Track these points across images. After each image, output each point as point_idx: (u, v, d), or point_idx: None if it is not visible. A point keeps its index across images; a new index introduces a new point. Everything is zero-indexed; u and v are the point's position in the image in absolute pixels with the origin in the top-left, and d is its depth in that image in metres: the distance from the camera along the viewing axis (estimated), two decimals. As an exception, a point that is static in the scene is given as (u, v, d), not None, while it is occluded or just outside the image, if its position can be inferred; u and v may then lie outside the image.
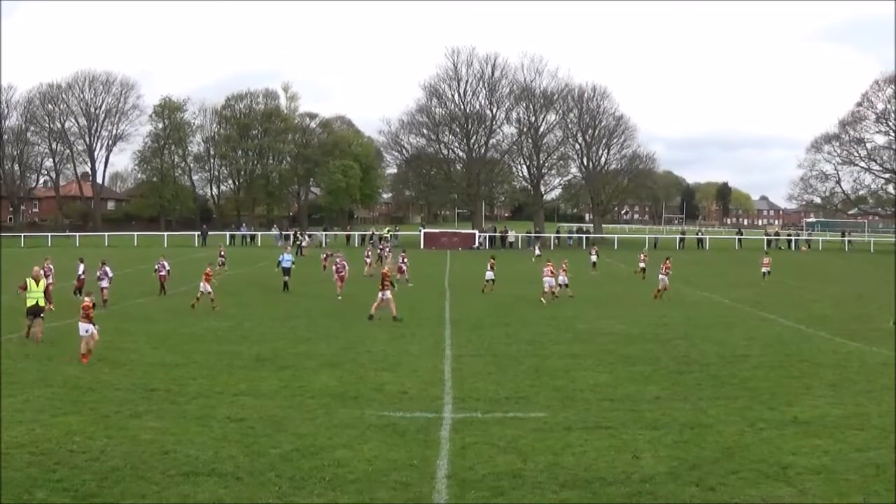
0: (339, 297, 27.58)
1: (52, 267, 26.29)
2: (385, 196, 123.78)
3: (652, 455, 9.69)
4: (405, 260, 35.69)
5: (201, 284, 25.13)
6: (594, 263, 42.02)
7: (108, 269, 25.71)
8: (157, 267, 29.42)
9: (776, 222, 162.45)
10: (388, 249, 46.13)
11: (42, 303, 17.76)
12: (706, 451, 9.89)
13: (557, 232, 79.90)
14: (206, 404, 12.08)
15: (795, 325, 21.74)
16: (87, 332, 15.45)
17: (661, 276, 28.99)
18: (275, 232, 77.82)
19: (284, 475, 8.84)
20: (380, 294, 22.49)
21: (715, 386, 13.75)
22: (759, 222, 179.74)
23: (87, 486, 8.40)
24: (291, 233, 68.15)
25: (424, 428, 10.91)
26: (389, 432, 10.65)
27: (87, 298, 16.19)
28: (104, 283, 24.96)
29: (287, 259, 31.33)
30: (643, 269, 37.83)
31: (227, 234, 75.44)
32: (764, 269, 37.05)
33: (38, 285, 17.78)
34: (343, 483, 8.64)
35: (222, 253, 40.63)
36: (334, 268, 29.83)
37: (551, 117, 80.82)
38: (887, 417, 11.48)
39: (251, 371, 14.81)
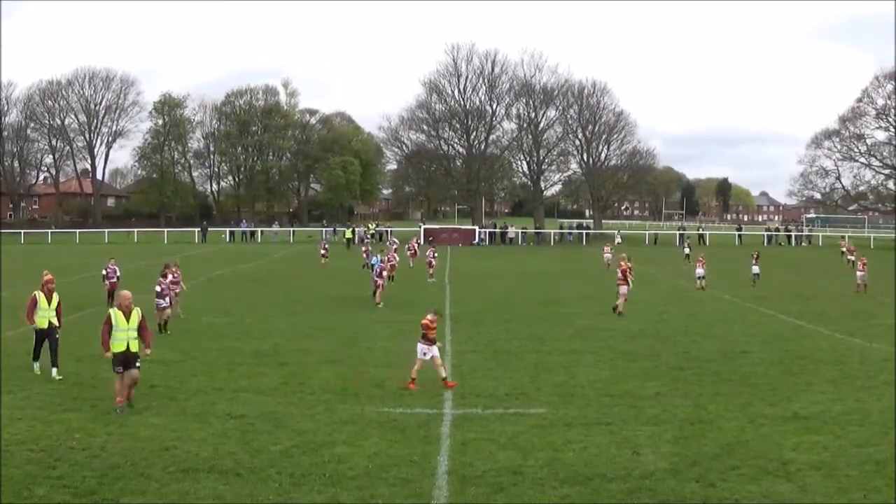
0: (380, 305, 24.32)
1: (177, 275, 20.81)
2: (385, 192, 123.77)
3: (652, 451, 9.69)
4: (435, 255, 35.72)
5: (625, 284, 25.13)
6: (687, 255, 43.37)
7: (170, 280, 20.17)
8: (105, 272, 24.13)
9: (776, 218, 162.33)
10: (416, 242, 47.96)
11: (135, 347, 11.77)
12: (706, 447, 9.89)
13: (560, 228, 79.86)
14: (206, 401, 12.08)
15: (795, 320, 21.73)
16: (424, 354, 13.18)
17: (859, 273, 29.64)
18: (274, 228, 77.89)
19: (284, 471, 8.85)
20: (621, 288, 22.82)
21: (715, 382, 13.74)
22: (760, 218, 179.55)
23: (87, 483, 8.40)
24: (350, 228, 67.92)
25: (425, 424, 10.90)
26: (390, 428, 10.65)
27: (429, 316, 13.51)
28: (164, 303, 18.98)
29: (378, 261, 27.60)
30: (852, 263, 37.94)
31: (228, 230, 75.48)
32: (850, 258, 40.52)
33: (128, 321, 11.74)
34: (343, 479, 8.63)
35: (325, 246, 43.69)
36: (377, 269, 25.76)
37: (551, 113, 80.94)
38: (888, 413, 11.48)
39: (251, 367, 14.81)
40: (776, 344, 17.81)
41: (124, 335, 11.67)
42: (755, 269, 32.26)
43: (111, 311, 11.88)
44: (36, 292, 13.97)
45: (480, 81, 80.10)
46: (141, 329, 11.85)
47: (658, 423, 11.02)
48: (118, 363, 11.58)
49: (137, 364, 11.71)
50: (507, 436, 10.33)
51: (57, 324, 14.01)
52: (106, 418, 10.99)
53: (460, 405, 12.02)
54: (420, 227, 72.03)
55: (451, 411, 11.68)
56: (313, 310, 23.66)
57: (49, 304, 13.96)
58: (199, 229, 72.86)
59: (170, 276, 20.93)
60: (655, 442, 10.09)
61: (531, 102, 79.98)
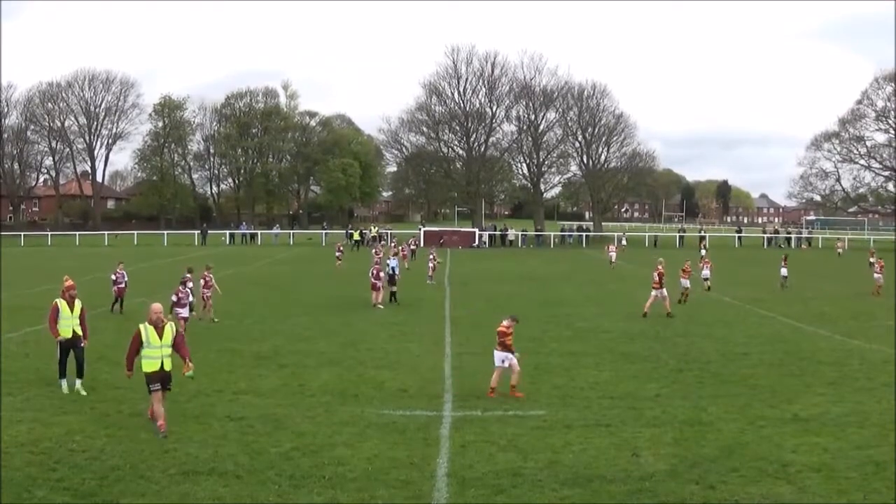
0: (381, 307, 24.34)
1: (210, 279, 20.80)
2: (385, 194, 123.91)
3: (652, 453, 9.69)
4: (435, 257, 35.71)
5: (682, 281, 25.81)
6: (703, 258, 39.16)
7: (190, 288, 19.40)
8: (114, 277, 23.28)
9: (776, 220, 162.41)
10: (413, 244, 50.87)
11: (170, 365, 10.62)
12: (706, 448, 9.89)
13: (561, 230, 79.86)
14: (206, 403, 12.07)
15: (795, 322, 21.73)
16: (502, 361, 12.68)
17: (876, 275, 29.61)
18: (275, 230, 77.94)
19: (284, 473, 8.85)
20: (654, 292, 22.93)
21: (715, 384, 13.74)
22: (760, 220, 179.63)
23: (87, 485, 8.40)
24: (358, 230, 68.53)
25: (424, 426, 10.90)
26: (389, 430, 10.65)
27: (505, 322, 12.95)
28: (184, 312, 18.44)
29: (395, 263, 27.09)
30: (871, 264, 33.85)
31: (228, 232, 75.54)
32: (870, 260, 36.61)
33: (161, 337, 10.59)
34: (343, 481, 8.63)
35: (340, 248, 44.36)
36: (373, 271, 25.52)
37: (551, 115, 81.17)
38: (887, 415, 11.48)
39: (251, 369, 14.81)
40: (776, 345, 17.81)
41: (157, 353, 10.50)
42: (784, 271, 32.15)
43: (141, 326, 10.64)
44: (57, 300, 13.01)
45: (480, 83, 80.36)
46: (177, 344, 10.71)
47: (658, 424, 11.02)
48: (153, 382, 10.40)
49: (169, 386, 10.69)
50: (507, 437, 10.32)
51: (81, 334, 12.98)
52: (106, 420, 10.98)
53: (460, 407, 12.01)
54: (420, 229, 72.05)
55: (451, 413, 11.68)
56: (313, 311, 23.65)
57: (72, 311, 12.93)
58: (199, 231, 72.88)
59: (201, 282, 21.16)
60: (655, 443, 10.09)
61: (531, 104, 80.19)
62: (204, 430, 10.57)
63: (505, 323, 12.94)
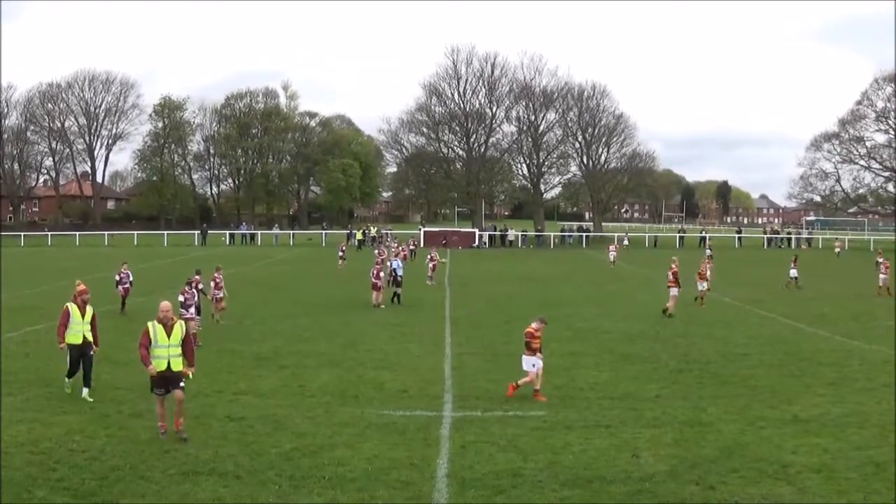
0: (382, 307, 24.52)
1: (220, 281, 20.40)
2: (385, 195, 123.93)
3: (652, 453, 9.69)
4: (436, 256, 35.68)
5: (699, 284, 25.84)
6: (710, 257, 37.11)
7: (198, 289, 18.77)
8: (118, 277, 23.23)
9: (776, 221, 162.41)
10: (412, 244, 51.90)
11: (178, 365, 10.44)
12: (706, 449, 9.89)
13: (562, 231, 79.85)
14: (206, 403, 12.08)
15: (795, 323, 21.73)
16: (532, 366, 12.45)
17: (881, 276, 29.50)
18: (275, 231, 77.94)
19: (284, 474, 8.85)
20: (674, 291, 23.20)
21: (715, 384, 13.74)
22: (759, 220, 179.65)
23: (87, 486, 8.40)
24: (361, 230, 68.95)
25: (424, 426, 10.90)
26: (389, 431, 10.66)
27: (534, 324, 12.69)
28: (190, 313, 17.56)
29: (397, 265, 26.89)
30: (877, 264, 31.47)
31: (228, 233, 75.55)
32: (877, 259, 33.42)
33: (169, 336, 10.42)
34: (343, 482, 8.64)
35: (343, 249, 44.05)
36: (373, 271, 25.56)
37: (551, 116, 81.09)
38: (887, 416, 11.48)
39: (251, 370, 14.82)
40: (776, 346, 17.81)
41: (164, 352, 10.28)
42: (793, 272, 32.18)
43: (150, 324, 10.42)
44: (68, 304, 12.57)
45: (480, 84, 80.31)
46: (184, 344, 10.50)
47: (658, 425, 11.02)
48: (158, 385, 10.26)
49: (181, 384, 10.36)
50: (507, 438, 10.33)
51: (92, 340, 12.61)
52: (105, 420, 10.99)
53: (460, 408, 12.02)
54: (420, 229, 72.02)
55: (451, 413, 11.68)
56: (313, 312, 23.65)
57: (83, 317, 12.53)
58: (199, 232, 72.86)
59: (212, 283, 20.96)
60: (655, 444, 10.09)
61: (531, 105, 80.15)
62: (204, 430, 10.57)
63: (534, 325, 12.66)
